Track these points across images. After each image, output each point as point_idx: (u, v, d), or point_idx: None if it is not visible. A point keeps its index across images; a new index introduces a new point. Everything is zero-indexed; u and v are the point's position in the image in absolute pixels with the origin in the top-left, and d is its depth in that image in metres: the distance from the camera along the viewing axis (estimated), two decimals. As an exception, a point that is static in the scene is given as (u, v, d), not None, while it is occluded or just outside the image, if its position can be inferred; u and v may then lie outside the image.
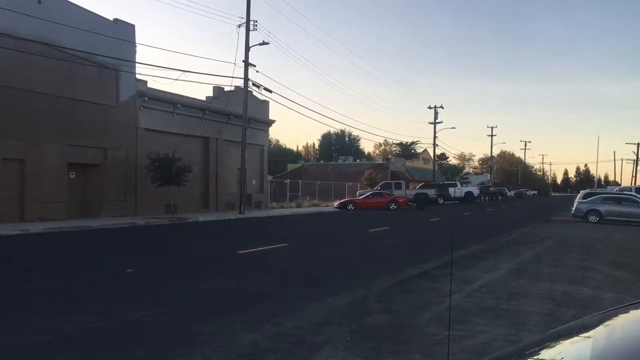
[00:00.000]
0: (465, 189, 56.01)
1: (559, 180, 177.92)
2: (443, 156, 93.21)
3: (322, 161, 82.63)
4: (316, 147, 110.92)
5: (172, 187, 26.30)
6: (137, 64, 27.81)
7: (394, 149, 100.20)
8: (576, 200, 29.30)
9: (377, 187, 48.37)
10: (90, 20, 25.01)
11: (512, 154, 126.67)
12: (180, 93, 31.42)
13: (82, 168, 25.70)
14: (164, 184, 26.07)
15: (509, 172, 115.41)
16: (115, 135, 26.74)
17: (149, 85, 28.86)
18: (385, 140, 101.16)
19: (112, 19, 26.97)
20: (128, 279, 9.95)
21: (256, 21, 32.22)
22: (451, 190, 51.37)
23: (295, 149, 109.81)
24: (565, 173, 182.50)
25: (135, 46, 27.80)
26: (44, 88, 22.86)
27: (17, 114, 21.77)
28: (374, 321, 6.72)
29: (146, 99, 28.60)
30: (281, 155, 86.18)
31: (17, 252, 14.35)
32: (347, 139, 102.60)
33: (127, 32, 27.30)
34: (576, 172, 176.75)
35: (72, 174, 25.18)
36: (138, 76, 28.01)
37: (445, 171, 73.15)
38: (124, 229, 21.45)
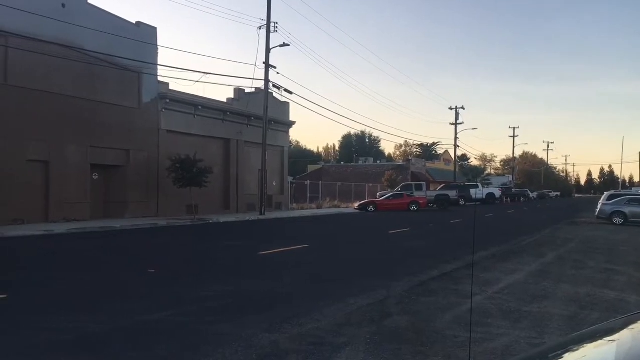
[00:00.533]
0: (486, 190, 55.57)
1: (582, 182, 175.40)
2: (464, 157, 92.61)
3: (342, 162, 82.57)
4: (336, 148, 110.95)
5: (193, 189, 26.51)
6: (158, 66, 28.11)
7: (415, 150, 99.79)
8: (600, 201, 28.86)
9: (398, 188, 48.18)
10: (113, 23, 25.35)
11: (535, 155, 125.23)
12: (202, 95, 31.70)
13: (105, 169, 26.04)
14: (186, 185, 26.29)
15: (531, 173, 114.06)
16: (138, 137, 27.05)
17: (171, 87, 29.16)
18: (406, 141, 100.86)
19: (134, 22, 27.29)
20: (150, 279, 10.05)
21: (277, 23, 32.37)
22: (472, 191, 51.01)
23: (315, 150, 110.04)
24: (589, 174, 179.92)
25: (157, 48, 28.11)
26: (67, 90, 23.22)
27: (42, 116, 22.13)
28: (395, 323, 6.69)
29: (168, 101, 28.88)
30: (301, 157, 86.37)
31: (42, 253, 14.59)
32: (367, 140, 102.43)
33: (149, 34, 27.61)
34: (600, 173, 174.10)
35: (95, 175, 25.52)
36: (160, 78, 28.31)
37: (467, 172, 72.68)
38: (146, 230, 21.67)
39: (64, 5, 22.98)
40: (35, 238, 17.74)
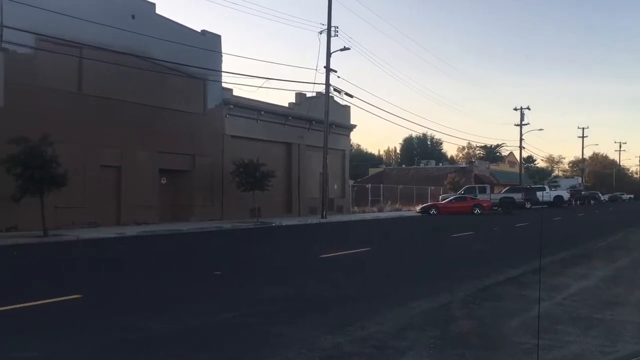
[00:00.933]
0: (554, 193, 53.67)
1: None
2: (530, 159, 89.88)
3: (403, 165, 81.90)
4: (397, 151, 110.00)
5: (256, 192, 26.97)
6: (223, 73, 28.84)
7: (478, 152, 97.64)
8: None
9: (461, 191, 47.30)
10: (180, 32, 26.22)
11: (606, 156, 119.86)
12: (264, 100, 32.24)
13: (172, 174, 26.91)
14: (249, 189, 26.79)
15: (602, 175, 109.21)
16: (203, 142, 27.81)
17: (234, 93, 29.83)
18: (469, 143, 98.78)
19: (199, 31, 28.11)
20: (215, 281, 10.32)
21: (337, 27, 32.57)
22: (539, 194, 49.40)
23: (376, 153, 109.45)
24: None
25: (222, 56, 28.84)
26: (137, 98, 24.18)
27: (114, 123, 23.13)
28: (459, 327, 6.61)
29: (232, 106, 29.55)
30: (362, 160, 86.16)
31: (114, 254, 15.26)
32: (429, 143, 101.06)
33: (213, 42, 28.38)
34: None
35: (163, 179, 26.42)
36: (224, 85, 29.05)
37: (533, 174, 70.45)
38: (212, 233, 22.24)
39: (133, 17, 24.00)
40: (108, 240, 18.55)
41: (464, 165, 72.42)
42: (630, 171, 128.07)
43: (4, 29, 19.58)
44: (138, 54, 23.63)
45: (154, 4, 25.29)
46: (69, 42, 21.06)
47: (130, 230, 20.86)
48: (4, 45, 19.67)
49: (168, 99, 25.80)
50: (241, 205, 28.75)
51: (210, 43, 27.96)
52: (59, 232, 18.79)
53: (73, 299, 8.17)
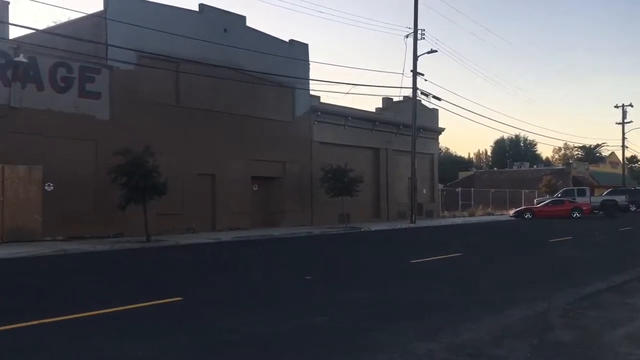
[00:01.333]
0: (663, 195, 50.02)
1: None
2: (634, 159, 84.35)
3: (495, 168, 79.42)
4: (488, 153, 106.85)
5: (344, 198, 27.17)
6: (310, 81, 29.33)
7: (576, 152, 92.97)
8: None
9: (558, 194, 45.24)
10: (269, 43, 26.99)
11: None
12: (351, 106, 32.47)
13: (263, 181, 27.65)
14: (337, 195, 27.03)
15: None
16: (292, 149, 28.40)
17: (322, 100, 30.27)
18: (566, 144, 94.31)
19: (287, 40, 28.78)
20: (307, 284, 10.53)
21: (424, 30, 32.29)
22: (645, 196, 46.28)
23: (466, 156, 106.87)
24: None
25: (309, 64, 29.38)
26: (229, 108, 25.11)
27: (208, 133, 24.14)
28: (558, 337, 6.37)
29: (319, 113, 29.99)
30: (452, 163, 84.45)
31: (210, 259, 15.93)
32: (522, 144, 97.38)
33: (301, 51, 28.97)
34: None
35: (255, 186, 27.22)
36: (311, 92, 29.54)
37: (638, 175, 66.15)
38: (302, 238, 22.66)
39: (225, 30, 25.00)
40: (205, 245, 19.38)
41: (560, 167, 69.28)
42: None
43: (109, 47, 21.03)
44: (230, 66, 24.57)
45: (244, 17, 26.22)
46: (167, 57, 22.25)
47: (225, 236, 21.67)
48: (109, 62, 21.12)
49: (258, 108, 26.61)
50: (330, 210, 29.06)
51: (297, 52, 28.59)
52: (160, 237, 19.85)
53: (175, 301, 8.63)
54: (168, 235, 21.12)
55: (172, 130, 22.73)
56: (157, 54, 21.92)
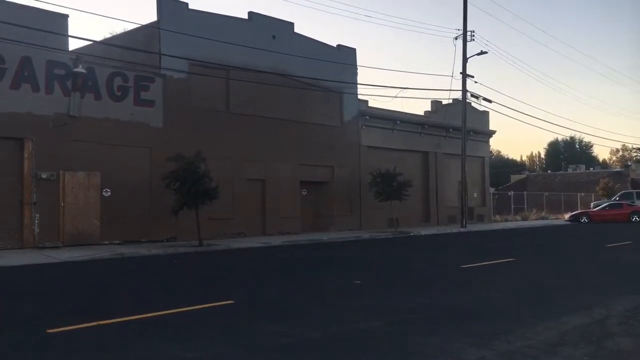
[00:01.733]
0: None
1: None
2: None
3: (549, 171, 77.43)
4: (542, 156, 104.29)
5: (393, 202, 27.02)
6: (358, 85, 29.35)
7: (635, 154, 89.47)
8: None
9: (616, 197, 43.72)
10: (316, 48, 27.18)
11: None
12: (399, 110, 32.26)
13: (312, 185, 27.82)
14: (386, 199, 26.91)
15: None
16: (341, 153, 28.47)
17: (370, 104, 30.24)
18: (624, 145, 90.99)
19: (335, 45, 28.91)
20: (356, 290, 10.54)
21: (473, 31, 31.88)
22: None
23: (518, 159, 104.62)
24: None
25: (357, 68, 29.41)
26: (279, 114, 25.40)
27: (258, 139, 24.49)
28: (617, 344, 6.17)
29: (367, 117, 29.96)
30: (504, 166, 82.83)
31: (261, 263, 16.14)
32: (577, 146, 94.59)
33: (349, 56, 29.04)
34: None
35: (304, 191, 27.40)
36: (359, 96, 29.55)
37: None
38: (351, 242, 22.66)
39: (274, 37, 25.33)
40: (255, 249, 19.66)
41: (618, 169, 66.90)
42: None
43: (162, 56, 21.65)
44: (279, 72, 24.88)
45: (292, 23, 26.50)
46: (218, 65, 22.72)
47: (275, 240, 21.91)
48: (163, 71, 21.74)
49: (307, 113, 26.81)
50: (379, 214, 28.96)
51: (345, 57, 28.66)
52: (212, 242, 20.24)
53: (226, 304, 8.79)
54: (219, 239, 21.50)
55: (223, 136, 23.17)
56: (208, 62, 22.41)
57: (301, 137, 26.39)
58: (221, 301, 8.89)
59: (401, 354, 5.93)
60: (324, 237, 23.74)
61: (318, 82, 26.31)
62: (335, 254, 18.30)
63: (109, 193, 20.12)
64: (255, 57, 23.88)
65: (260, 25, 25.09)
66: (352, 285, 11.03)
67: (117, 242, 19.81)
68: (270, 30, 25.39)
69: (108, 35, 29.92)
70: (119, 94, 20.58)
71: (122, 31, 26.36)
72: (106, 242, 19.57)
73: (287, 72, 25.37)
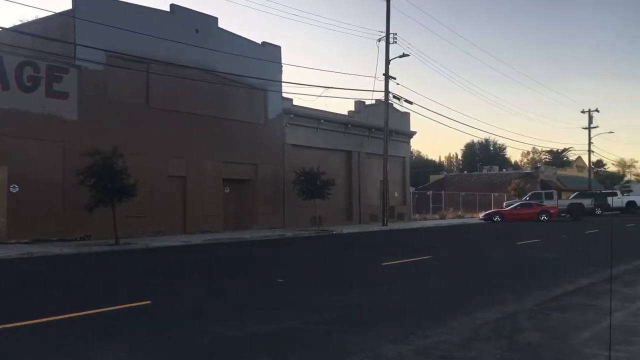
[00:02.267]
0: (627, 198, 51.26)
1: None
2: (600, 163, 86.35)
3: (465, 171, 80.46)
4: (459, 157, 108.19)
5: (317, 200, 27.18)
6: (283, 83, 29.27)
7: (544, 157, 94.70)
8: None
9: (526, 197, 46.02)
10: (241, 45, 26.86)
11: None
12: (324, 109, 32.49)
13: (235, 183, 27.49)
14: (310, 197, 27.02)
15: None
16: (265, 151, 28.31)
17: (294, 103, 30.24)
18: (534, 148, 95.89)
19: (260, 42, 28.69)
20: (279, 288, 10.47)
21: (396, 34, 32.55)
22: (610, 199, 47.38)
23: (437, 159, 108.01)
24: None
25: (282, 66, 29.32)
26: (201, 110, 24.91)
27: (180, 135, 23.92)
28: (526, 338, 6.44)
29: (292, 116, 29.96)
30: (423, 167, 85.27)
31: (180, 262, 15.73)
32: (491, 148, 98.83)
33: (274, 53, 28.91)
34: None
35: (227, 189, 27.03)
36: (284, 95, 29.49)
37: (603, 179, 67.73)
38: (274, 241, 22.57)
39: (197, 31, 24.80)
40: (175, 248, 19.16)
41: (529, 170, 70.41)
42: None
43: (77, 47, 20.66)
44: (202, 67, 24.38)
45: (216, 18, 26.06)
46: (137, 57, 21.97)
47: (196, 239, 21.45)
48: (78, 62, 20.75)
49: (231, 110, 26.45)
50: (302, 213, 29.03)
51: (270, 54, 28.50)
52: (129, 240, 19.55)
53: (143, 305, 8.48)
54: (137, 238, 20.82)
55: (143, 132, 22.44)
56: (127, 54, 21.64)
57: (225, 134, 26.01)
58: (138, 302, 8.58)
59: (321, 352, 5.92)
60: (247, 235, 23.51)
61: (242, 78, 26.03)
62: (258, 253, 18.15)
63: (17, 189, 18.99)
64: (178, 51, 23.28)
65: (183, 18, 24.48)
66: (275, 283, 10.95)
67: (26, 241, 18.73)
68: (193, 24, 24.84)
69: (18, 23, 28.26)
70: (29, 84, 19.46)
71: (35, 18, 24.92)
72: (14, 241, 18.46)
73: (211, 68, 24.91)
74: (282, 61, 29.37)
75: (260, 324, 7.22)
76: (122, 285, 11.05)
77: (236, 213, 27.47)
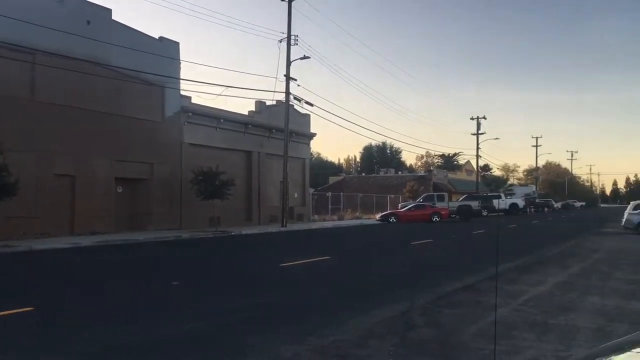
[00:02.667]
0: (510, 201, 54.89)
1: (607, 191, 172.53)
2: (486, 167, 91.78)
3: (363, 174, 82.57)
4: (357, 159, 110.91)
5: (215, 201, 26.71)
6: (181, 81, 28.51)
7: (436, 160, 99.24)
8: (626, 211, 28.35)
9: (420, 199, 47.93)
10: (137, 39, 25.82)
11: (558, 165, 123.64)
12: (224, 108, 32.01)
13: (129, 182, 26.38)
14: (208, 198, 26.50)
15: (555, 183, 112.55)
16: (161, 150, 27.40)
17: (193, 100, 29.52)
18: (427, 152, 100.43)
19: (157, 37, 27.75)
20: (174, 291, 10.13)
21: (297, 36, 32.68)
22: (495, 202, 50.39)
23: (336, 161, 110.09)
24: (615, 184, 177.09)
25: (180, 63, 28.54)
26: (93, 105, 23.66)
27: (70, 131, 22.56)
28: (419, 335, 6.66)
29: (190, 114, 29.24)
30: (323, 168, 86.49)
31: (67, 265, 14.82)
32: (388, 151, 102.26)
33: (172, 49, 28.05)
34: (626, 182, 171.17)
35: (119, 188, 25.87)
36: (182, 92, 28.71)
37: (489, 182, 71.97)
38: (170, 242, 21.88)
39: (89, 22, 23.50)
40: (62, 251, 18.03)
41: (422, 173, 73.45)
42: (581, 179, 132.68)
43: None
44: (94, 60, 23.14)
45: (110, 10, 24.86)
46: (21, 47, 20.47)
47: (86, 241, 20.33)
48: (-48, 49, 19.00)
49: (125, 106, 25.34)
50: (200, 214, 28.41)
51: (168, 50, 27.62)
52: (10, 243, 18.16)
53: (25, 311, 7.89)
54: (20, 240, 19.38)
55: (26, 127, 20.94)
56: (9, 43, 20.10)
57: (118, 131, 24.87)
58: (19, 308, 7.97)
59: (217, 355, 5.79)
60: (141, 237, 22.60)
61: (138, 74, 25.01)
62: (152, 255, 17.49)
63: None
64: (67, 42, 21.92)
65: (74, 8, 23.10)
66: (170, 287, 10.57)
67: None
68: (85, 15, 23.53)
69: None
70: None
71: None
72: None
73: (104, 61, 23.71)
74: (181, 58, 28.61)
75: (153, 329, 6.94)
76: (1, 291, 10.20)
77: (130, 213, 26.37)
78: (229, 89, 39.60)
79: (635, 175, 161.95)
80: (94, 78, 23.06)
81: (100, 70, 23.28)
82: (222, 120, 31.40)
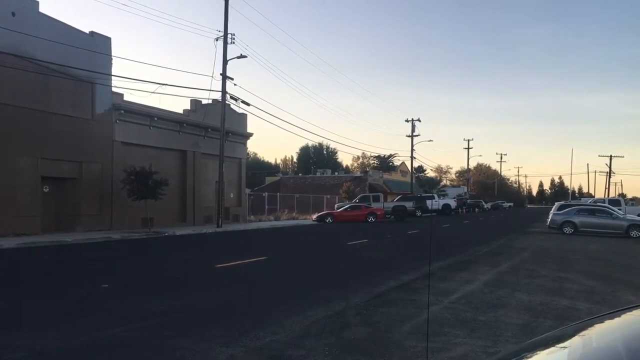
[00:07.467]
0: (442, 201, 56.47)
1: (534, 192, 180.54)
2: (420, 169, 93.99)
3: (300, 174, 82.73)
4: (294, 160, 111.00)
5: (148, 201, 26.03)
6: (113, 77, 27.57)
7: (372, 161, 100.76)
8: (551, 212, 29.72)
9: (356, 199, 48.46)
10: (66, 33, 24.79)
11: (489, 167, 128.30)
12: (158, 106, 31.24)
13: (56, 182, 25.30)
14: (141, 198, 25.80)
15: (485, 184, 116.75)
16: (91, 148, 26.44)
17: (125, 98, 28.63)
18: (363, 153, 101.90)
19: (88, 32, 26.74)
20: (103, 294, 9.78)
21: (234, 35, 32.31)
22: (429, 202, 51.65)
23: (273, 162, 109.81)
24: (541, 185, 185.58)
25: (112, 59, 27.60)
26: (17, 100, 22.55)
27: (-10, 127, 21.39)
28: (353, 334, 6.70)
29: (122, 112, 28.36)
30: (259, 168, 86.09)
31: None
32: (325, 152, 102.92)
33: (103, 44, 27.09)
34: (551, 184, 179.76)
35: (45, 187, 24.77)
36: (114, 89, 27.77)
37: (423, 184, 73.66)
38: (99, 244, 21.12)
39: (13, 14, 22.36)
40: (-18, 253, 17.04)
41: (358, 174, 74.32)
42: (510, 181, 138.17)
43: None
44: (19, 54, 22.05)
45: (37, 2, 23.72)
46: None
47: (8, 242, 19.32)
48: None
49: (52, 102, 24.28)
50: (132, 214, 27.61)
51: (99, 45, 26.66)
52: None
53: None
54: None
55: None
56: None
57: (45, 128, 23.80)
58: None
59: (149, 359, 5.60)
60: (68, 238, 21.71)
61: (66, 69, 24.03)
62: (80, 257, 16.82)
63: None
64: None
65: (-3, -2, 21.93)
66: (99, 289, 10.19)
67: None
68: (9, 6, 22.35)
69: None
70: None
71: None
72: None
73: (29, 55, 22.62)
74: (113, 53, 27.68)
75: (81, 332, 6.66)
76: None
77: (57, 214, 25.29)
78: (164, 86, 38.53)
79: (560, 177, 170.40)
80: (19, 72, 21.96)
81: (26, 64, 22.21)
82: (156, 119, 30.65)
